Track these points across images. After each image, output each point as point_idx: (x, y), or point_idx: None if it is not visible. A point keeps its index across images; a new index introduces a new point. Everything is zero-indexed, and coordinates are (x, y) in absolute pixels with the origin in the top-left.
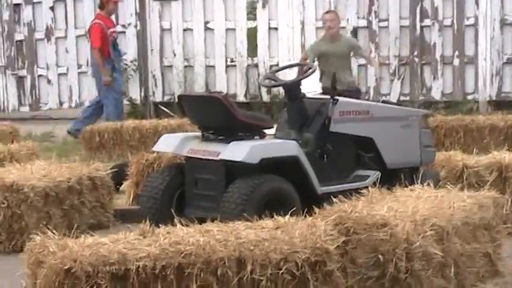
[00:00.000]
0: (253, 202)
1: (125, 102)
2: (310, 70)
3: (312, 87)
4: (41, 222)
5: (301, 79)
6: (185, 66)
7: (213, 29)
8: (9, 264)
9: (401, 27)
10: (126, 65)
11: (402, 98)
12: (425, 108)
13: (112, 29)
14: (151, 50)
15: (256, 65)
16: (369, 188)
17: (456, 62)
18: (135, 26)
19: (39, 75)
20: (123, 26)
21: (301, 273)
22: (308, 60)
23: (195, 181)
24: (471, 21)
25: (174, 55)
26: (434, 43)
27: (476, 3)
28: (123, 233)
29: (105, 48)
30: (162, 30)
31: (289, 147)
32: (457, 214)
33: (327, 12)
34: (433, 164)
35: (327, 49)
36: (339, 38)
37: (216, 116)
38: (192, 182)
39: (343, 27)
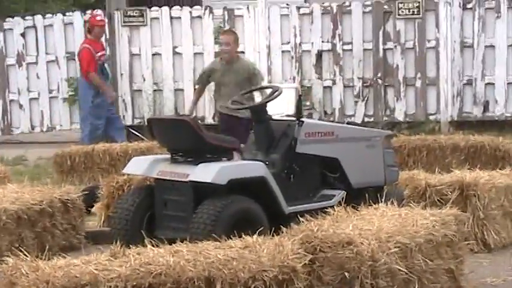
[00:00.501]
0: (221, 222)
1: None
2: (277, 93)
3: (278, 109)
4: (13, 245)
5: (267, 101)
6: (154, 90)
7: (181, 54)
8: None
9: (364, 50)
10: None
11: (366, 119)
12: (389, 128)
13: (100, 53)
14: (121, 74)
15: None
16: (335, 207)
17: (418, 83)
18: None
19: (11, 100)
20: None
21: None
22: (199, 85)
23: (165, 202)
24: (432, 43)
25: (144, 79)
26: (397, 65)
27: (437, 26)
28: (95, 255)
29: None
30: (131, 55)
31: (256, 168)
32: (421, 232)
33: (223, 33)
34: (396, 183)
35: (222, 73)
36: (237, 61)
37: (184, 138)
38: (162, 203)
39: (308, 51)
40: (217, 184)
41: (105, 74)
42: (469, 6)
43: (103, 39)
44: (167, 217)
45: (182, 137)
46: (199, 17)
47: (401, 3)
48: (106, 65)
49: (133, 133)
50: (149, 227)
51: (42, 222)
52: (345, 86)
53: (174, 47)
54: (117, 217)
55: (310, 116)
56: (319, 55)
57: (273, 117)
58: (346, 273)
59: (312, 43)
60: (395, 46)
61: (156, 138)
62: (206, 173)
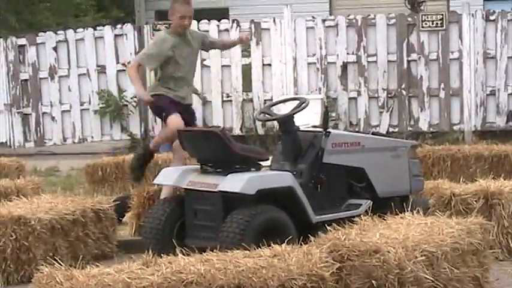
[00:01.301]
0: (250, 231)
1: (125, 137)
2: (304, 104)
3: (305, 120)
4: (47, 254)
5: (294, 113)
6: None
7: (209, 66)
8: None
9: (389, 61)
10: (127, 101)
11: (391, 130)
12: (413, 138)
13: None
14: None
15: (251, 100)
16: (361, 216)
17: (442, 94)
18: None
19: (44, 113)
20: (123, 64)
21: None
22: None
23: (195, 212)
24: (455, 55)
25: None
26: (421, 76)
27: (460, 38)
28: (127, 263)
29: None
30: None
31: (284, 178)
32: (446, 240)
33: (186, 2)
34: (422, 192)
35: (181, 47)
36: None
37: (214, 149)
38: (192, 213)
39: (333, 63)
40: (246, 194)
41: None
42: (491, 18)
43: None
44: (197, 226)
45: (211, 149)
46: (227, 30)
47: (425, 15)
48: None
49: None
50: (179, 236)
51: (75, 231)
52: (369, 97)
53: (202, 60)
54: (148, 226)
55: (335, 126)
56: (345, 67)
57: (300, 128)
58: (373, 281)
59: (338, 55)
60: (419, 57)
61: (185, 149)
62: (235, 183)
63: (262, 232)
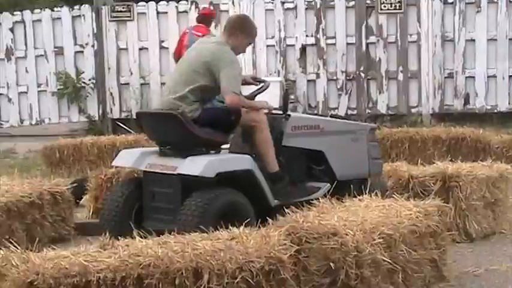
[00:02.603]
0: (209, 215)
1: (83, 119)
2: (264, 85)
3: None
4: (3, 237)
5: (254, 94)
6: (141, 84)
7: (167, 48)
8: None
9: (347, 44)
10: (84, 83)
11: (349, 112)
12: (371, 121)
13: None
14: (109, 68)
15: None
16: (320, 199)
17: (400, 76)
18: (93, 46)
19: (0, 94)
20: (81, 45)
21: (256, 282)
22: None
23: (153, 194)
24: (414, 38)
25: (131, 73)
26: (379, 59)
27: (419, 20)
28: (84, 246)
29: None
30: (119, 49)
31: (243, 162)
32: (404, 222)
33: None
34: (380, 175)
35: None
36: None
37: (173, 132)
38: (150, 195)
39: (292, 45)
40: (205, 177)
41: None
42: (450, 0)
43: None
44: (155, 209)
45: (171, 131)
46: (186, 11)
47: None
48: None
49: (120, 126)
50: (138, 219)
51: (32, 214)
52: (328, 80)
53: (161, 41)
54: (106, 209)
55: (294, 109)
56: (303, 49)
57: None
58: (331, 264)
59: (296, 37)
60: (378, 40)
61: (145, 132)
62: (194, 166)
63: (221, 215)
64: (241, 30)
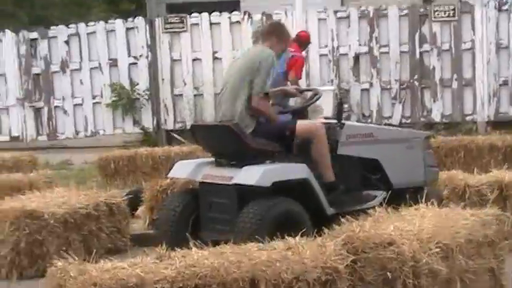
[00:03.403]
0: (265, 224)
1: (138, 130)
2: (317, 96)
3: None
4: (61, 248)
5: (308, 105)
6: (195, 95)
7: (221, 58)
8: None
9: (401, 52)
10: (139, 94)
11: (404, 121)
12: (426, 129)
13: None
14: (163, 79)
15: None
16: (376, 207)
17: (455, 84)
18: (147, 57)
19: (56, 106)
20: (135, 57)
21: None
22: None
23: (210, 205)
24: (468, 45)
25: (185, 84)
26: (434, 67)
27: (473, 28)
28: (141, 257)
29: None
30: (172, 60)
31: (299, 170)
32: (461, 232)
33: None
34: (436, 183)
35: None
36: None
37: (228, 143)
38: (207, 206)
39: (345, 54)
40: (261, 186)
41: None
42: (504, 8)
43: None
44: (212, 219)
45: (226, 143)
46: (238, 22)
47: (437, 5)
48: None
49: (175, 137)
50: (194, 229)
51: (89, 225)
52: (382, 88)
53: (214, 52)
54: (162, 220)
55: (348, 118)
56: (357, 58)
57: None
58: (388, 274)
59: (350, 46)
60: (432, 48)
61: (200, 144)
62: (250, 175)
63: (277, 224)
64: (275, 35)
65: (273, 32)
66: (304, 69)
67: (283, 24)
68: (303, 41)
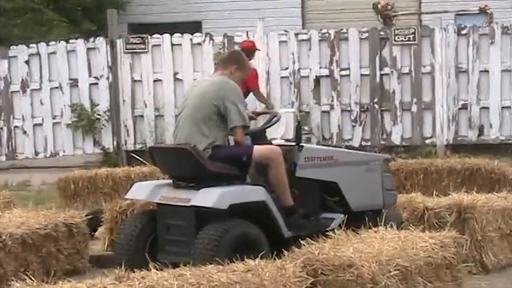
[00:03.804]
0: (222, 247)
1: (98, 151)
2: (275, 118)
3: (276, 134)
4: (19, 269)
5: (266, 127)
6: (156, 116)
7: (182, 80)
8: None
9: (361, 75)
10: (99, 115)
11: (364, 143)
12: (385, 152)
13: None
14: (123, 100)
15: None
16: (335, 230)
17: (414, 108)
18: (108, 78)
19: (15, 126)
20: (96, 78)
21: None
22: None
23: (167, 227)
24: (428, 69)
25: (145, 105)
26: (394, 90)
27: (433, 52)
28: (99, 278)
29: None
30: (133, 81)
31: (257, 193)
32: (420, 254)
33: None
34: (395, 206)
35: None
36: None
37: (186, 166)
38: (164, 228)
39: (306, 77)
40: (219, 209)
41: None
42: (463, 32)
43: (105, 65)
44: (170, 241)
45: (183, 165)
46: (200, 43)
47: (397, 29)
48: None
49: (135, 158)
50: (152, 251)
51: (47, 246)
52: (342, 111)
53: (175, 73)
54: (120, 241)
55: (308, 140)
56: (317, 81)
57: (273, 142)
58: None
59: (310, 69)
60: (392, 71)
61: (158, 166)
62: (207, 197)
63: (235, 247)
64: (235, 64)
65: (232, 61)
66: (264, 88)
67: (242, 52)
68: (250, 50)
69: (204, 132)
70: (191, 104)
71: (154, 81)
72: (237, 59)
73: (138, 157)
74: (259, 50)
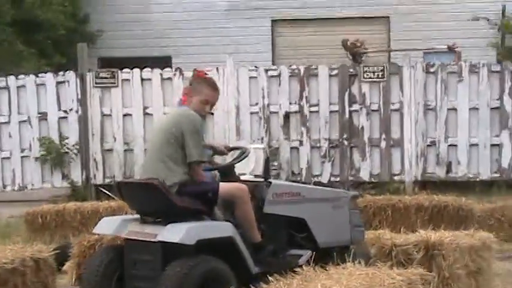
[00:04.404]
0: (189, 283)
1: (66, 185)
2: (245, 154)
3: (246, 169)
4: None
5: (235, 162)
6: (125, 150)
7: (151, 114)
8: None
9: (331, 112)
10: (68, 148)
11: (333, 179)
12: (354, 188)
13: None
14: (93, 134)
15: None
16: (303, 266)
17: (383, 144)
18: (77, 112)
19: None
20: (65, 111)
21: None
22: None
23: (134, 262)
24: (396, 106)
25: (115, 139)
26: (362, 127)
27: (401, 89)
28: None
29: None
30: (103, 115)
31: (224, 229)
32: None
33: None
34: (362, 243)
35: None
36: None
37: (153, 201)
38: (131, 263)
39: (276, 112)
40: (186, 244)
41: None
42: (431, 70)
43: (75, 99)
44: (136, 277)
45: (151, 200)
46: (170, 78)
47: (366, 66)
48: None
49: (104, 192)
50: (118, 287)
51: (14, 280)
52: (311, 147)
53: (145, 108)
54: (87, 276)
55: (277, 176)
56: (287, 116)
57: (241, 177)
58: None
59: (280, 105)
60: (361, 108)
61: (125, 201)
62: (174, 233)
63: (201, 283)
64: (194, 92)
65: (192, 90)
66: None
67: (205, 80)
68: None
69: (170, 167)
70: (156, 139)
71: (124, 115)
72: (193, 87)
73: (106, 192)
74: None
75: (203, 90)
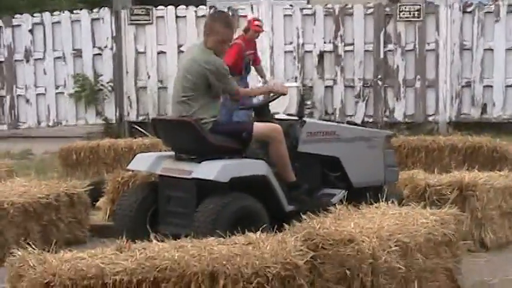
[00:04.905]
0: (222, 220)
1: (100, 122)
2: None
3: (280, 108)
4: (19, 238)
5: (269, 101)
6: (159, 88)
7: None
8: None
9: (365, 51)
10: (103, 85)
11: (366, 119)
12: (388, 129)
13: (249, 52)
14: (127, 72)
15: None
16: (336, 205)
17: (418, 85)
18: (111, 49)
19: (18, 95)
20: (100, 48)
21: (272, 287)
22: None
23: (168, 199)
24: (432, 46)
25: (149, 77)
26: (397, 67)
27: (437, 29)
28: (101, 248)
29: (239, 66)
30: (137, 53)
31: (258, 167)
32: (420, 230)
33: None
34: (396, 183)
35: None
36: None
37: (188, 139)
38: (165, 199)
39: (310, 51)
40: (220, 182)
41: (248, 70)
42: (468, 9)
43: (109, 36)
44: (170, 213)
45: (185, 138)
46: (204, 16)
47: (402, 5)
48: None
49: (137, 129)
50: (153, 223)
51: (48, 215)
52: (345, 86)
53: (179, 46)
54: (121, 212)
55: (311, 115)
56: (321, 55)
57: (275, 116)
58: (347, 271)
59: (314, 44)
60: (396, 48)
61: (160, 138)
62: (209, 170)
63: (235, 220)
64: (210, 31)
65: (210, 29)
66: (267, 62)
67: (222, 18)
68: (248, 28)
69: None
70: (181, 79)
71: (158, 53)
72: (209, 27)
73: (140, 129)
74: (256, 31)
75: (219, 30)
